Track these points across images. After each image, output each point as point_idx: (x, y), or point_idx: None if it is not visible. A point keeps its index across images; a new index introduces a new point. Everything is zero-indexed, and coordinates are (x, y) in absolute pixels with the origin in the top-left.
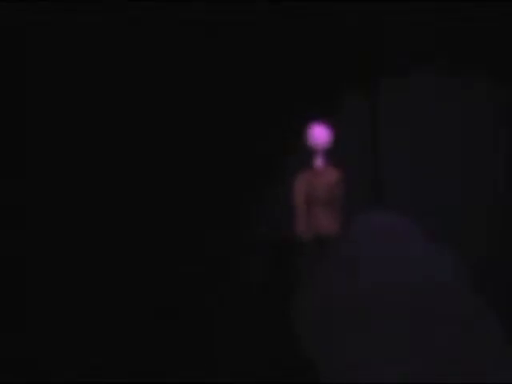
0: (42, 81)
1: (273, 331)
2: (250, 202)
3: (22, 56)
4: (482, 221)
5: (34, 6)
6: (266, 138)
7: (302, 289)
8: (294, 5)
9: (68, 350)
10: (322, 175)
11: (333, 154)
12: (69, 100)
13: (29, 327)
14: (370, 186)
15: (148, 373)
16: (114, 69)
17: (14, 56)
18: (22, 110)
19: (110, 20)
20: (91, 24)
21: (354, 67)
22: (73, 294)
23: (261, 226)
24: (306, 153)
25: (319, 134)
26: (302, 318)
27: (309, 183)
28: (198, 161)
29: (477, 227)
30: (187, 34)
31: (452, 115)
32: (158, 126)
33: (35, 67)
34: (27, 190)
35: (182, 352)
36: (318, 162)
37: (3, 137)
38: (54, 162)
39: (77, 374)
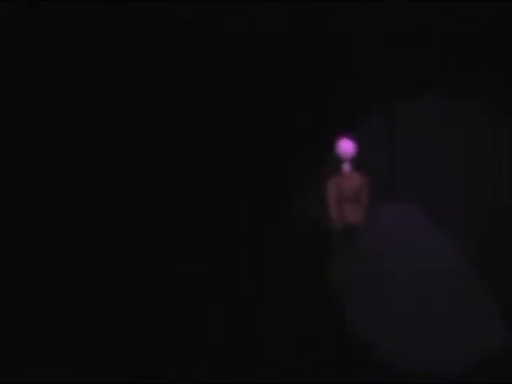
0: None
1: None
2: (293, 201)
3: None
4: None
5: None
6: (306, 150)
7: (332, 267)
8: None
9: (68, 350)
10: (349, 178)
11: (357, 160)
12: (67, 99)
13: (29, 327)
14: (386, 186)
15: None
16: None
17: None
18: (22, 109)
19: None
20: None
21: (374, 90)
22: (83, 294)
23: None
24: (336, 161)
25: (346, 146)
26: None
27: (338, 185)
28: (251, 169)
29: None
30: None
31: (455, 120)
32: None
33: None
34: (27, 189)
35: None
36: (346, 168)
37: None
38: (54, 160)
39: (77, 374)
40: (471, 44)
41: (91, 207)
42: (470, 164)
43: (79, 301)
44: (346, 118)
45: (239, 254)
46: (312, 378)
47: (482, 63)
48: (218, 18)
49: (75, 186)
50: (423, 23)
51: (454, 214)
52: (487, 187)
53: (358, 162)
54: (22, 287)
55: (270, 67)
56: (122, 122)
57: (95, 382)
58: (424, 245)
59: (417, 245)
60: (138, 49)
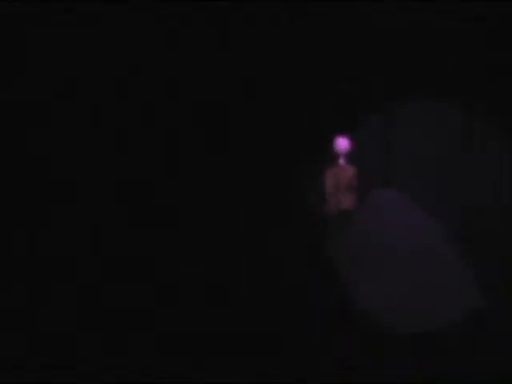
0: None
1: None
2: (297, 188)
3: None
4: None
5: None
6: (308, 146)
7: (330, 244)
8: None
9: (68, 350)
10: (343, 170)
11: (353, 155)
12: (71, 97)
13: (29, 327)
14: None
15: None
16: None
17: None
18: (21, 109)
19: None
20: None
21: (372, 92)
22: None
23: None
24: (334, 155)
25: (342, 143)
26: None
27: (335, 175)
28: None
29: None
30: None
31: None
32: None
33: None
34: (28, 188)
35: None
36: (341, 161)
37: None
38: (58, 158)
39: (77, 375)
40: (471, 44)
41: (91, 207)
42: (469, 164)
43: (79, 301)
44: (347, 117)
45: (243, 244)
46: (314, 358)
47: (482, 64)
48: (218, 17)
49: (74, 185)
50: (423, 23)
51: (452, 212)
52: (487, 187)
53: (358, 160)
54: (21, 287)
55: (273, 67)
56: (122, 121)
57: (95, 381)
58: (410, 223)
59: (404, 224)
60: (138, 49)
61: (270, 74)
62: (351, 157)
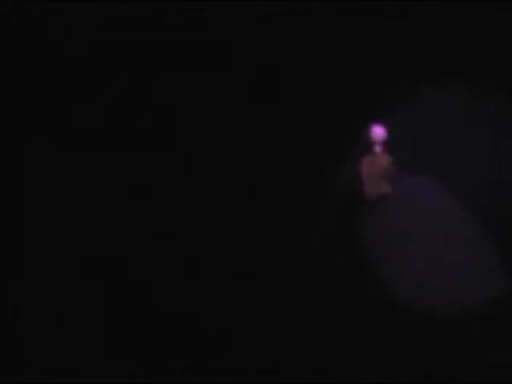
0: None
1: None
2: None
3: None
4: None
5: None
6: (347, 135)
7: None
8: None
9: (67, 350)
10: (380, 157)
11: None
12: (73, 96)
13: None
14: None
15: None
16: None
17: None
18: (19, 108)
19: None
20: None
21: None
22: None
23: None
24: (370, 143)
25: (377, 131)
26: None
27: (371, 162)
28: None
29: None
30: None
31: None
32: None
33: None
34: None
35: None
36: (377, 149)
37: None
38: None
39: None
40: (471, 43)
41: (95, 208)
42: (499, 153)
43: (79, 301)
44: (376, 105)
45: (273, 233)
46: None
47: (483, 62)
48: (224, 14)
49: (74, 186)
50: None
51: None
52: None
53: (388, 145)
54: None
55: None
56: (124, 122)
57: (95, 381)
58: (437, 208)
59: (435, 211)
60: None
61: (297, 63)
62: (386, 145)
